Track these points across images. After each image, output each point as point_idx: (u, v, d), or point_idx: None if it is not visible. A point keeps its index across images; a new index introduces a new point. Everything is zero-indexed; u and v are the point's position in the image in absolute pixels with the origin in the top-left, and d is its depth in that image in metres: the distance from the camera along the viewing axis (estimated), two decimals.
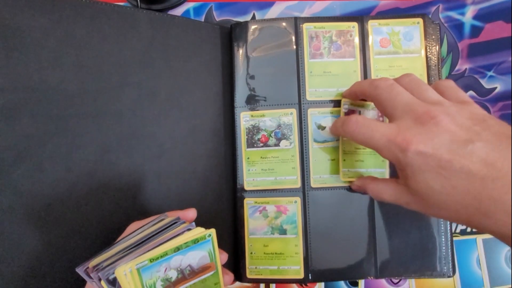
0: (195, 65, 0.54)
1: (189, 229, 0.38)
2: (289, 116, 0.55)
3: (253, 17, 0.61)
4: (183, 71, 0.53)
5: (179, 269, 0.37)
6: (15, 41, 0.44)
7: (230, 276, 0.43)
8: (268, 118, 0.55)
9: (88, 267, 0.36)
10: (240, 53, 0.56)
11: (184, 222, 0.39)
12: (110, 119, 0.49)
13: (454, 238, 0.58)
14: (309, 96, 0.55)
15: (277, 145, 0.55)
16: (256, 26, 0.56)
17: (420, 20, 0.56)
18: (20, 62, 0.44)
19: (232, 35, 0.57)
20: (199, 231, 0.37)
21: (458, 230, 0.59)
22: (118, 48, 0.50)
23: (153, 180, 0.50)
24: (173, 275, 0.37)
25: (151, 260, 0.35)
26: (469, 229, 0.59)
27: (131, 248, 0.37)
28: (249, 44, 0.56)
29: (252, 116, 0.55)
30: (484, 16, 0.61)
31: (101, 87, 0.48)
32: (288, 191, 0.55)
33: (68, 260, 0.45)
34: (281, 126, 0.55)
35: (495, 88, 0.60)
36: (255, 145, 0.55)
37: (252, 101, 0.55)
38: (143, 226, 0.40)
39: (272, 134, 0.55)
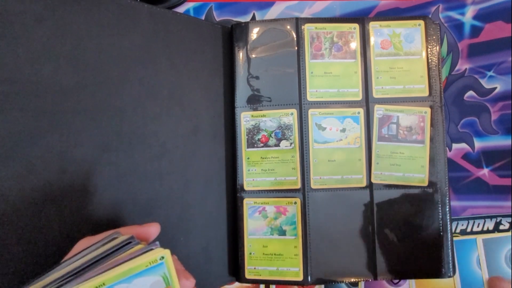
0: (196, 63, 0.54)
1: (150, 250, 0.31)
2: (289, 117, 0.55)
3: (253, 17, 0.61)
4: (185, 69, 0.53)
5: None
6: (3, 28, 0.39)
7: (191, 281, 0.36)
8: (269, 119, 0.55)
9: None
10: (240, 53, 0.56)
11: (138, 243, 0.32)
12: (109, 116, 0.45)
13: (454, 238, 0.58)
14: (310, 96, 0.55)
15: (277, 145, 0.55)
16: (257, 26, 0.56)
17: (421, 22, 0.56)
18: (9, 51, 0.39)
19: (232, 35, 0.57)
20: (153, 255, 0.31)
21: (458, 230, 0.59)
22: (118, 42, 0.47)
23: (154, 180, 0.49)
24: None
25: None
26: (469, 229, 0.59)
27: (72, 275, 0.31)
28: (250, 44, 0.56)
29: (252, 116, 0.55)
30: (484, 16, 0.61)
31: (99, 82, 0.45)
32: (288, 192, 0.55)
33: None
34: (282, 126, 0.55)
35: (495, 88, 0.60)
36: (255, 145, 0.55)
37: (253, 101, 0.55)
38: (91, 246, 0.33)
39: (272, 135, 0.55)
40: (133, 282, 0.30)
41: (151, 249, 0.31)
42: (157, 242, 0.32)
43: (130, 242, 0.32)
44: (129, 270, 0.30)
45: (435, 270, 0.54)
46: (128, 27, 0.48)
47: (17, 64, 0.39)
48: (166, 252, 0.31)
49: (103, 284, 0.29)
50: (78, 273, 0.31)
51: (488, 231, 0.59)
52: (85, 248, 0.33)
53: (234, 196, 0.56)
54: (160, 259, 0.31)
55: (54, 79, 0.42)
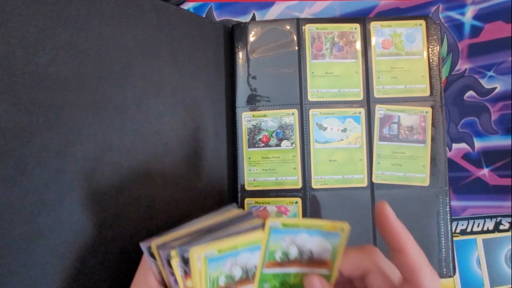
0: (199, 61, 0.53)
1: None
2: (290, 117, 0.55)
3: (253, 17, 0.61)
4: (188, 66, 0.52)
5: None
6: None
7: None
8: (270, 118, 0.55)
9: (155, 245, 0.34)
10: (241, 53, 0.56)
11: (258, 217, 0.37)
12: (111, 112, 0.43)
13: (454, 238, 0.58)
14: (311, 96, 0.55)
15: (278, 145, 0.55)
16: (257, 27, 0.56)
17: (422, 22, 0.56)
18: (0, 38, 0.35)
19: (233, 35, 0.56)
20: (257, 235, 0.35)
21: (458, 230, 0.59)
22: (121, 34, 0.44)
23: (158, 181, 0.47)
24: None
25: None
26: (469, 229, 0.59)
27: (202, 234, 0.35)
28: (251, 45, 0.56)
29: (253, 116, 0.55)
30: (484, 16, 0.61)
31: (101, 75, 0.42)
32: (289, 192, 0.55)
33: (59, 277, 0.39)
34: (283, 126, 0.55)
35: (495, 88, 0.60)
36: (256, 145, 0.55)
37: (253, 101, 0.55)
38: (214, 212, 0.38)
39: (274, 134, 0.55)
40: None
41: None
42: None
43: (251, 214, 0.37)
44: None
45: (435, 270, 0.54)
46: (131, 19, 0.46)
47: (9, 53, 0.36)
48: (346, 226, 0.35)
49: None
50: (208, 233, 0.35)
51: (488, 231, 0.59)
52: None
53: (235, 196, 0.56)
54: (341, 231, 0.35)
55: (51, 70, 0.38)
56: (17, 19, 0.36)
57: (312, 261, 0.36)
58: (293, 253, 0.36)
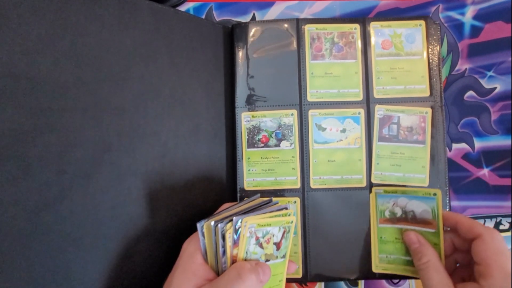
0: (198, 62, 0.53)
1: (285, 208, 0.45)
2: (289, 117, 0.55)
3: (253, 17, 0.61)
4: (186, 67, 0.52)
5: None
6: None
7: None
8: (269, 119, 0.55)
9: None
10: (241, 53, 0.56)
11: (277, 202, 0.46)
12: (110, 114, 0.43)
13: None
14: (310, 97, 0.55)
15: (277, 145, 0.55)
16: (257, 27, 0.56)
17: (422, 22, 0.56)
18: (4, 45, 0.36)
19: (233, 35, 0.57)
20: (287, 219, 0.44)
21: None
22: (119, 38, 0.45)
23: (156, 181, 0.48)
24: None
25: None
26: None
27: (243, 213, 0.43)
28: (250, 45, 0.56)
29: (253, 116, 0.55)
30: (484, 16, 0.61)
31: (100, 79, 0.43)
32: (288, 192, 0.55)
33: (64, 274, 0.39)
34: (282, 126, 0.55)
35: (495, 88, 0.60)
36: (255, 146, 0.55)
37: (252, 102, 0.55)
38: (240, 202, 0.46)
39: (273, 135, 0.55)
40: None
41: (286, 208, 0.45)
42: (289, 205, 0.53)
43: (270, 201, 0.47)
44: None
45: None
46: (129, 23, 0.46)
47: (12, 59, 0.36)
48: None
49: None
50: (244, 214, 0.43)
51: None
52: (234, 204, 0.46)
53: (234, 196, 0.56)
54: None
55: (52, 75, 0.39)
56: (21, 28, 0.37)
57: (416, 220, 0.50)
58: (398, 212, 0.51)
